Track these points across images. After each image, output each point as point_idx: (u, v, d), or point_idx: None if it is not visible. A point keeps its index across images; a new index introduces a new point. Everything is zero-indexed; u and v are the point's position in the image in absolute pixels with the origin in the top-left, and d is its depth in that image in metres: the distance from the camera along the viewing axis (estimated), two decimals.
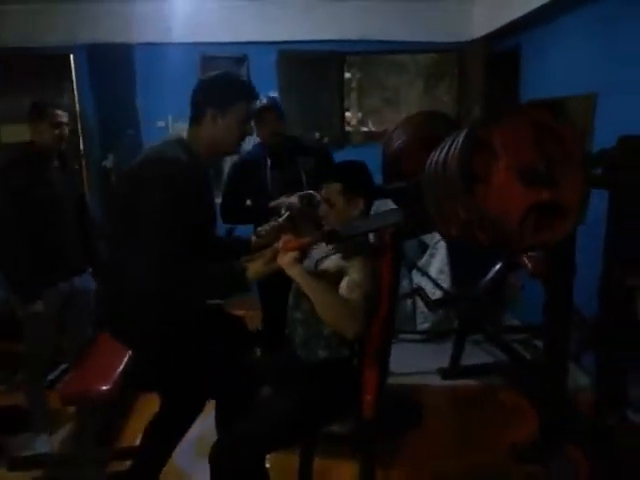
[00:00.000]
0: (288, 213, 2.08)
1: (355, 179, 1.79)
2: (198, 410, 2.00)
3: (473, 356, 3.37)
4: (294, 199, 2.28)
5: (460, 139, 1.30)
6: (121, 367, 2.37)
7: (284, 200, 2.32)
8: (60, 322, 2.54)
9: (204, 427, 2.63)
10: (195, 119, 1.67)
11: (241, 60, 4.13)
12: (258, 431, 1.64)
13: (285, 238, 1.60)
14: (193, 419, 2.00)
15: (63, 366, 3.21)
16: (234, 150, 1.76)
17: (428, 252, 3.81)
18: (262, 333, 2.75)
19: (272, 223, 1.98)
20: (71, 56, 4.05)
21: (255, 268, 1.63)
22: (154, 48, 4.06)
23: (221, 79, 1.68)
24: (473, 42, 4.02)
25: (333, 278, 1.69)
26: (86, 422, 2.29)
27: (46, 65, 4.06)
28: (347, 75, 4.29)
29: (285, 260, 1.56)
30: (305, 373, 1.77)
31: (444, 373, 3.17)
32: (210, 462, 1.59)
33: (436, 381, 3.16)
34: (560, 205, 1.31)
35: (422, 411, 2.68)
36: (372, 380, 1.77)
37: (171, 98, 3.79)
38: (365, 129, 4.56)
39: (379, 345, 1.78)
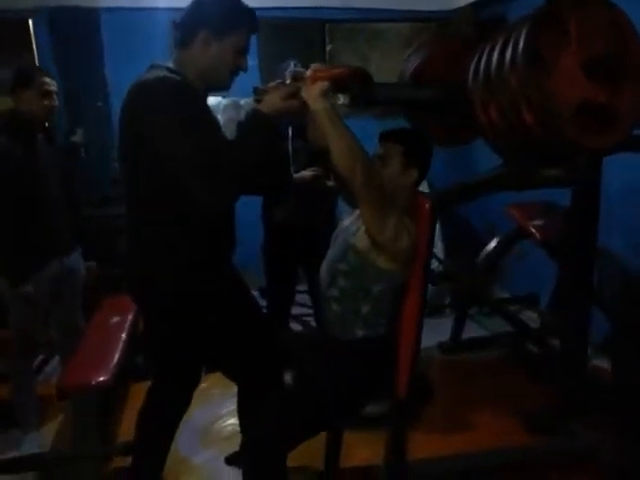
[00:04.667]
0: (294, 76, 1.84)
1: (418, 148, 1.67)
2: (194, 387, 1.84)
3: (468, 330, 3.34)
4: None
5: (532, 16, 1.28)
6: (117, 356, 2.22)
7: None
8: (48, 307, 2.33)
9: (209, 416, 2.51)
10: (183, 42, 1.49)
11: None
12: (292, 422, 1.53)
13: (315, 66, 1.43)
14: (189, 399, 1.85)
15: (40, 357, 2.99)
16: (224, 84, 1.55)
17: None
18: (267, 310, 2.61)
19: (274, 83, 1.67)
20: (30, 22, 3.69)
21: (270, 101, 1.43)
22: (123, 13, 3.75)
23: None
24: (457, 10, 3.92)
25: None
26: (84, 416, 2.10)
27: (0, 32, 3.69)
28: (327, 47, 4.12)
29: (313, 92, 1.39)
30: (342, 351, 1.65)
31: (445, 347, 3.12)
32: (243, 461, 1.47)
33: (436, 355, 3.11)
34: (613, 113, 1.32)
35: (433, 386, 2.62)
36: (407, 360, 1.68)
37: (142, 67, 3.48)
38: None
39: (414, 324, 1.68)
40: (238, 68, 1.53)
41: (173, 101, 1.34)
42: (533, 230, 2.61)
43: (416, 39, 4.15)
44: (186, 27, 1.49)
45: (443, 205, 1.70)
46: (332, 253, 1.73)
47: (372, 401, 1.70)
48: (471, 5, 3.83)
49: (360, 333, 1.62)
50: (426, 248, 1.66)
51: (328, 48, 4.13)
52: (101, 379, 2.05)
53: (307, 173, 2.32)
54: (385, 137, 1.69)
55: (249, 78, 4.21)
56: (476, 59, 1.58)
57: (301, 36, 4.02)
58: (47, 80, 2.14)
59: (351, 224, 1.70)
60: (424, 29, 4.20)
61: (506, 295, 3.89)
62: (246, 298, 1.72)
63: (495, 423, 2.46)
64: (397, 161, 1.64)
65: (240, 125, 1.49)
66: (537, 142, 1.39)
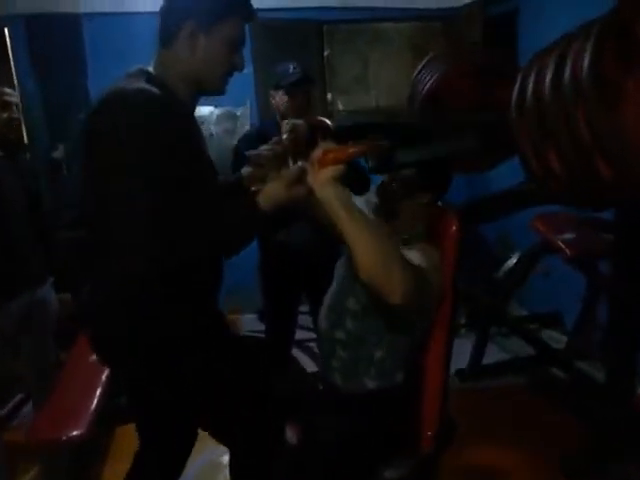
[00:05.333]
0: (293, 135, 1.60)
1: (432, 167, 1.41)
2: (190, 448, 1.56)
3: (486, 352, 3.05)
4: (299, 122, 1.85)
5: (594, 31, 0.96)
6: (95, 402, 1.94)
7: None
8: (16, 342, 2.06)
9: (202, 464, 2.22)
10: (165, 39, 1.21)
11: None
12: None
13: (325, 146, 1.12)
14: (185, 460, 1.57)
15: (18, 397, 2.71)
16: (217, 87, 1.27)
17: None
18: (266, 346, 2.32)
19: (271, 146, 1.47)
20: (6, 30, 3.43)
21: (271, 192, 1.18)
22: (105, 19, 3.50)
23: None
24: (465, 7, 3.66)
25: None
26: (54, 473, 1.83)
27: None
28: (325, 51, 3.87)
29: (323, 177, 1.08)
30: (349, 406, 1.37)
31: (464, 375, 2.83)
32: None
33: (455, 384, 2.82)
34: None
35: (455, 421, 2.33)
36: (434, 412, 1.40)
37: None
38: (343, 108, 4.15)
39: (441, 367, 1.41)
40: (233, 67, 1.26)
41: (136, 132, 1.07)
42: (562, 245, 2.33)
43: (421, 43, 3.96)
44: (167, 21, 1.22)
45: (472, 223, 1.42)
46: (337, 286, 1.45)
47: (391, 464, 1.42)
48: (479, 1, 3.56)
49: (372, 384, 1.34)
50: (452, 279, 1.40)
51: (326, 53, 3.88)
52: (74, 433, 1.77)
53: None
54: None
55: (244, 86, 3.95)
56: (518, 88, 1.26)
57: (297, 39, 3.76)
58: (6, 91, 1.91)
59: None
60: (428, 29, 3.95)
61: (525, 313, 3.59)
62: (234, 343, 1.44)
63: (526, 464, 2.17)
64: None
65: (231, 195, 1.28)
66: (611, 191, 1.07)
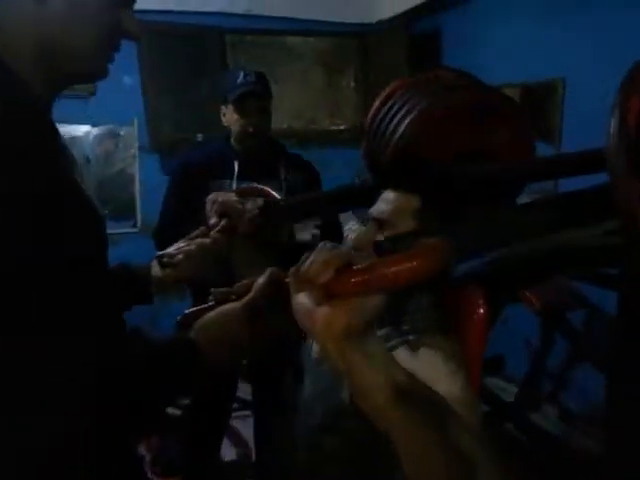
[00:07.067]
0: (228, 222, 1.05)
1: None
2: None
3: None
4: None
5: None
6: None
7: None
8: None
9: None
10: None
11: None
12: None
13: (338, 255, 0.50)
14: None
15: None
16: (93, 68, 0.74)
17: None
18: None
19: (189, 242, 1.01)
20: None
21: (219, 327, 0.71)
22: None
23: None
24: (386, 23, 3.34)
25: None
26: None
27: None
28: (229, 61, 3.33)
29: (337, 325, 0.47)
30: None
31: None
32: None
33: None
34: None
35: None
36: None
37: None
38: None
39: None
40: (118, 29, 0.73)
41: None
42: (529, 295, 2.01)
43: (334, 61, 3.56)
44: None
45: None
46: (322, 374, 0.95)
47: None
48: (400, 18, 3.25)
49: None
50: (480, 358, 0.95)
51: (229, 65, 3.34)
52: None
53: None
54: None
55: (129, 99, 3.23)
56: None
57: (195, 48, 3.19)
58: None
59: None
60: (341, 45, 3.58)
61: None
62: None
63: None
64: (409, 221, 0.90)
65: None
66: None
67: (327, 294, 0.48)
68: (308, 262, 0.51)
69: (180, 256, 0.97)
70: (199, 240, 1.00)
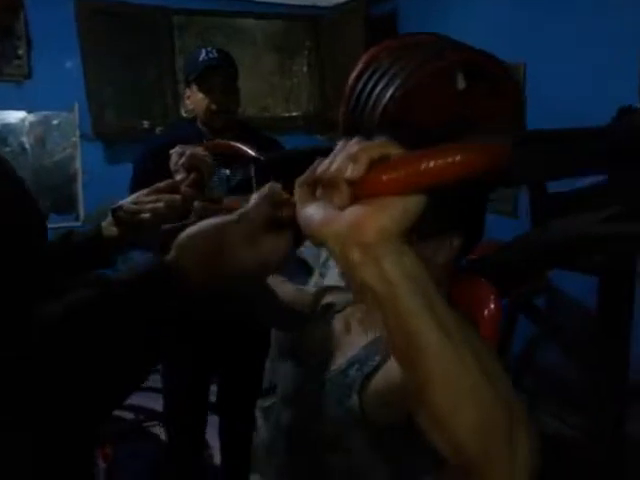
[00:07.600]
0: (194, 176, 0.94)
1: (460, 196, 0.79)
2: None
3: None
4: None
5: None
6: None
7: None
8: None
9: None
10: None
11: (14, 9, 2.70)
12: None
13: (370, 145, 0.39)
14: None
15: None
16: None
17: (316, 273, 2.97)
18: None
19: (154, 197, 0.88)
20: None
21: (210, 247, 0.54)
22: None
23: None
24: (343, 6, 3.25)
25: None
26: None
27: None
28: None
29: (370, 229, 0.37)
30: None
31: None
32: None
33: None
34: None
35: None
36: None
37: None
38: None
39: None
40: None
41: None
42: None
43: (287, 44, 3.43)
44: None
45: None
46: (302, 392, 0.85)
47: None
48: (358, 0, 3.17)
49: None
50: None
51: (177, 48, 3.16)
52: None
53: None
54: None
55: (70, 83, 3.02)
56: None
57: (141, 29, 3.00)
58: None
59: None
60: (294, 28, 3.46)
61: None
62: None
63: None
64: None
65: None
66: None
67: (362, 193, 0.38)
68: (326, 162, 0.41)
69: (146, 215, 0.83)
70: (168, 197, 0.85)
